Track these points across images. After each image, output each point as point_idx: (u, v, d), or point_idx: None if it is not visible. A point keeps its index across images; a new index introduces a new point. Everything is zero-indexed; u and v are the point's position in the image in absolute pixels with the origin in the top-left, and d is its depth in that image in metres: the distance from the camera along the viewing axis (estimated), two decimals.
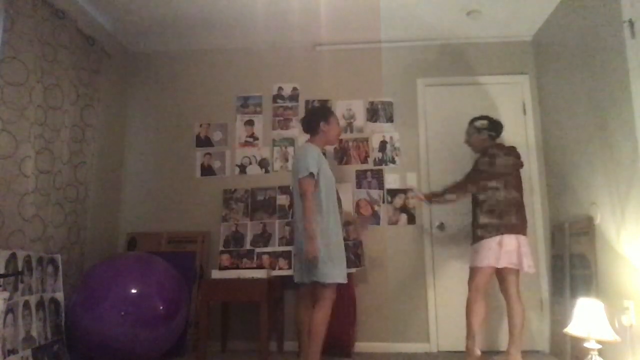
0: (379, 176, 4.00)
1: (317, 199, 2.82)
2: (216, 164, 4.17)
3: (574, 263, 3.23)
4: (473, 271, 3.09)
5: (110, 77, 4.02)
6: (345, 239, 3.71)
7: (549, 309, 3.68)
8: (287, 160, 4.09)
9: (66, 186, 3.32)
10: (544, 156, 3.88)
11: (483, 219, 3.04)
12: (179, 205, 4.11)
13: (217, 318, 3.81)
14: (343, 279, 2.82)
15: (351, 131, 4.10)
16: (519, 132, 3.96)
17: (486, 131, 3.24)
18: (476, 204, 3.12)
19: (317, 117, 3.04)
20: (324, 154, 3.14)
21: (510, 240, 2.96)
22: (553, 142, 3.75)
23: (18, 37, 2.83)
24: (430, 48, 4.16)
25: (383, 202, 3.96)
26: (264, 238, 3.87)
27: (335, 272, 2.78)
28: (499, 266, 2.97)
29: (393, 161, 4.02)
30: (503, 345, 3.54)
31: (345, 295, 3.52)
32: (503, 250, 2.95)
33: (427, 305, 3.79)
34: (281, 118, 4.17)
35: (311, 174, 2.78)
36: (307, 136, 3.08)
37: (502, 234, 2.96)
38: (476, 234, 3.07)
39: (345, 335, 3.48)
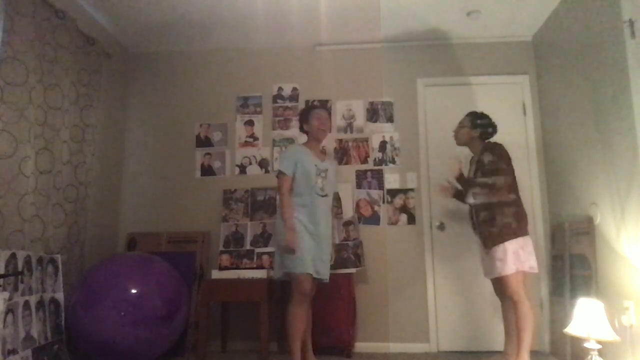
0: (379, 176, 4.00)
1: (294, 196, 2.99)
2: (216, 164, 4.17)
3: (574, 263, 3.23)
4: (504, 280, 2.84)
5: (110, 77, 4.02)
6: (345, 239, 3.75)
7: (549, 309, 3.68)
8: None
9: (66, 186, 3.32)
10: (544, 156, 3.88)
11: (501, 220, 2.85)
12: (179, 205, 4.11)
13: (217, 318, 3.81)
14: (303, 269, 2.84)
15: (351, 131, 4.10)
16: (519, 132, 3.96)
17: (480, 130, 3.08)
18: (489, 204, 2.92)
19: (300, 121, 3.18)
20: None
21: (529, 242, 2.87)
22: (553, 142, 3.75)
23: (18, 37, 2.83)
24: (430, 48, 4.16)
25: (383, 202, 3.96)
26: (264, 238, 3.87)
27: (295, 262, 2.85)
28: (525, 269, 2.83)
29: (393, 161, 4.02)
30: (498, 345, 3.53)
31: (345, 295, 3.52)
32: (526, 252, 2.84)
33: (427, 305, 3.79)
34: (281, 118, 4.17)
35: (281, 172, 2.98)
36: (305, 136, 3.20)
37: (523, 235, 2.85)
38: (494, 236, 2.86)
39: (345, 335, 3.48)
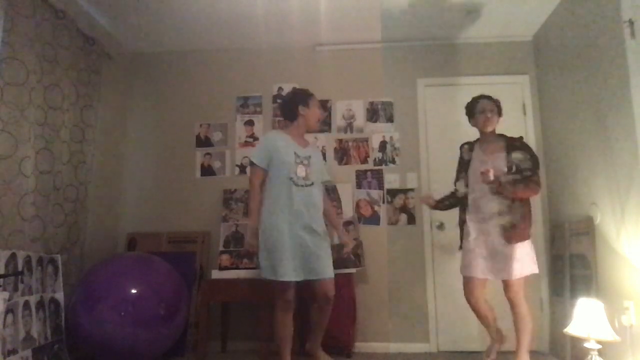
0: (379, 176, 4.00)
1: (267, 192, 2.79)
2: (216, 164, 4.17)
3: (574, 263, 3.23)
4: (518, 282, 2.74)
5: (110, 77, 4.02)
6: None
7: (549, 309, 3.68)
8: None
9: (66, 186, 3.32)
10: (544, 156, 3.88)
11: (529, 218, 2.76)
12: (179, 205, 4.11)
13: (217, 318, 3.81)
14: (274, 276, 2.69)
15: (351, 131, 4.10)
16: (519, 132, 3.92)
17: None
18: (509, 202, 2.77)
19: (296, 101, 2.92)
20: (324, 155, 3.05)
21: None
22: (553, 142, 3.75)
23: (18, 37, 2.84)
24: (430, 48, 4.16)
25: (383, 202, 3.96)
26: None
27: (267, 267, 2.71)
28: (535, 271, 2.77)
29: (393, 161, 4.02)
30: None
31: (345, 295, 3.52)
32: (534, 252, 2.78)
33: (427, 305, 3.79)
34: (281, 118, 4.16)
35: (252, 163, 2.78)
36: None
37: (530, 235, 2.79)
38: (520, 231, 2.72)
39: (345, 335, 3.48)
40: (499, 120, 2.96)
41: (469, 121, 3.05)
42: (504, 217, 2.76)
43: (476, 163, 2.93)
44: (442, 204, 3.14)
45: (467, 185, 2.95)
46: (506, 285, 2.78)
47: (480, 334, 3.67)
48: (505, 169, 2.78)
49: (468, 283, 2.85)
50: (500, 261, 2.75)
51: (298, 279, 2.73)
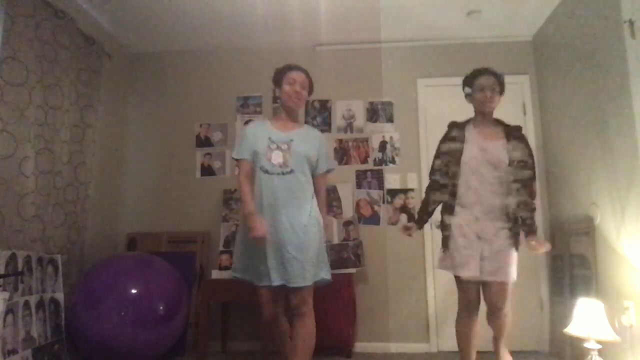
0: (379, 176, 4.00)
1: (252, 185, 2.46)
2: (216, 164, 4.17)
3: (574, 263, 3.23)
4: (508, 286, 2.48)
5: (110, 77, 4.02)
6: (345, 239, 3.75)
7: (549, 309, 3.68)
8: None
9: (66, 186, 3.32)
10: (544, 156, 3.88)
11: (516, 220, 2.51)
12: (179, 205, 4.11)
13: (217, 318, 3.81)
14: (239, 274, 2.47)
15: (351, 131, 4.10)
16: None
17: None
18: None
19: (274, 86, 2.67)
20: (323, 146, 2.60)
21: None
22: (553, 142, 3.75)
23: (18, 37, 2.83)
24: (430, 48, 4.16)
25: (383, 202, 3.96)
26: None
27: (235, 264, 2.50)
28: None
29: (393, 161, 4.02)
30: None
31: (345, 295, 3.52)
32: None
33: (427, 305, 3.79)
34: None
35: (234, 158, 2.54)
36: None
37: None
38: (518, 235, 2.49)
39: (345, 335, 3.48)
40: (500, 100, 2.63)
41: (465, 97, 2.73)
42: (509, 217, 2.48)
43: (473, 149, 2.56)
44: (422, 222, 2.73)
45: (451, 176, 2.59)
46: (500, 287, 2.48)
47: (480, 334, 3.67)
48: (507, 161, 2.51)
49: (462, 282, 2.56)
50: (499, 259, 2.46)
51: (274, 284, 2.35)
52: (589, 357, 2.46)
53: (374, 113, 4.12)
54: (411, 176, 3.97)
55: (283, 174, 2.38)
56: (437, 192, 2.66)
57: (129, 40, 4.18)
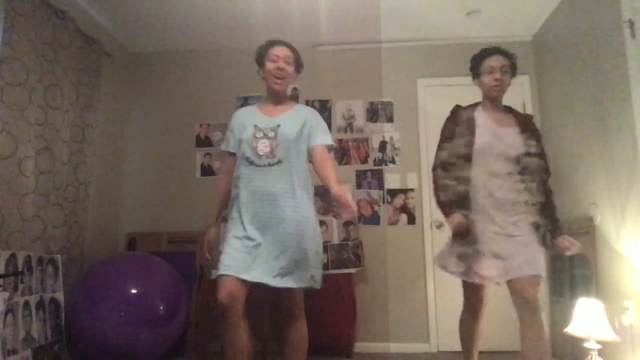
0: (379, 176, 4.00)
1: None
2: (216, 164, 4.17)
3: (574, 263, 3.23)
4: (538, 280, 2.13)
5: (110, 77, 4.02)
6: (345, 239, 3.75)
7: (549, 309, 3.68)
8: None
9: (66, 186, 3.32)
10: None
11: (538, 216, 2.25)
12: (179, 205, 4.11)
13: (217, 318, 3.80)
14: (223, 270, 2.04)
15: (351, 131, 4.10)
16: None
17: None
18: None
19: (258, 66, 2.31)
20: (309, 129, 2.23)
21: None
22: (553, 142, 3.75)
23: (18, 37, 2.83)
24: (430, 48, 4.16)
25: (383, 202, 3.96)
26: None
27: (219, 264, 2.11)
28: None
29: (393, 161, 4.02)
30: (498, 345, 3.54)
31: (345, 295, 3.52)
32: None
33: (427, 305, 3.79)
34: None
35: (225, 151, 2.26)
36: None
37: None
38: (541, 229, 2.24)
39: (345, 335, 3.48)
40: (510, 83, 2.35)
41: (472, 79, 2.47)
42: (529, 213, 2.21)
43: (486, 135, 2.26)
44: (451, 207, 2.34)
45: (460, 167, 2.32)
46: (523, 285, 2.11)
47: (483, 334, 3.67)
48: (523, 150, 2.23)
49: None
50: (527, 254, 2.15)
51: (252, 281, 2.04)
52: (589, 357, 2.46)
53: (374, 113, 4.12)
54: (411, 176, 3.97)
55: (270, 165, 2.09)
56: (448, 179, 2.39)
57: (129, 40, 4.18)
